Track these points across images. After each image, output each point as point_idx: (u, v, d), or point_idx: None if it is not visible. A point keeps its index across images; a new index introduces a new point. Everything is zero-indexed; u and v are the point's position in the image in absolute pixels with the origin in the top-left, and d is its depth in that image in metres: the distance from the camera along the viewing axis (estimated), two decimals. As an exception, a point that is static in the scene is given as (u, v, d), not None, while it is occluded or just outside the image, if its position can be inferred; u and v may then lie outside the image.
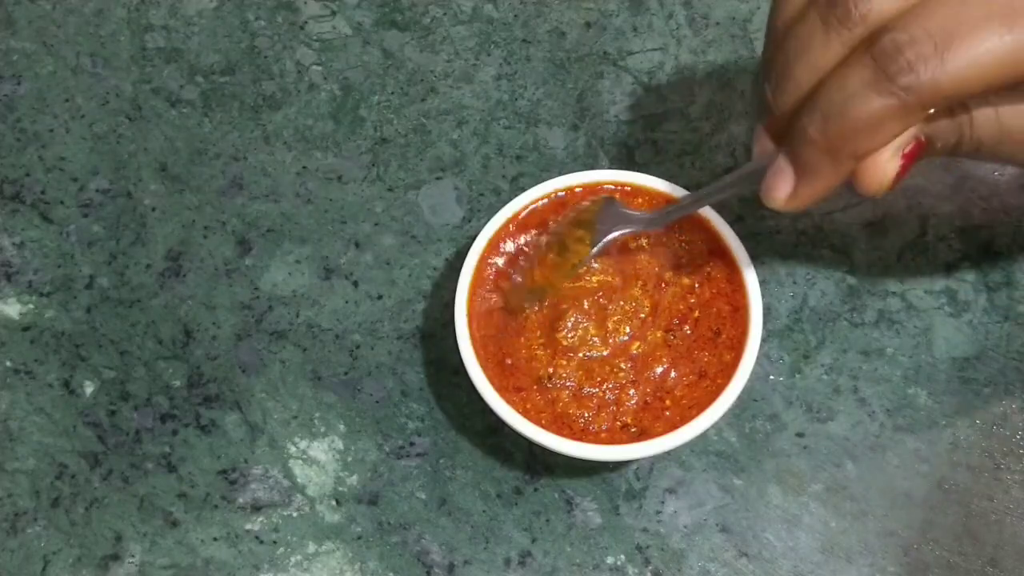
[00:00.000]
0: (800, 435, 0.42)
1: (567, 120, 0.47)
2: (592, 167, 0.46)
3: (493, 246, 0.39)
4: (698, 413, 0.36)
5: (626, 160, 0.46)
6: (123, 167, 0.46)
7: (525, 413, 0.37)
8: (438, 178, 0.46)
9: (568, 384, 0.38)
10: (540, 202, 0.40)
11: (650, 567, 0.40)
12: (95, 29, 0.48)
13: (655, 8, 0.48)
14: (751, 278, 0.38)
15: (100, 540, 0.41)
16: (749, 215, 0.45)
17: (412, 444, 0.42)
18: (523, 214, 0.40)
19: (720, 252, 0.39)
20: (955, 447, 0.41)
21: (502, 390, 0.37)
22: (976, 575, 0.39)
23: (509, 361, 0.38)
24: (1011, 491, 0.40)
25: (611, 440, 0.36)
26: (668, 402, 0.37)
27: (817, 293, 0.44)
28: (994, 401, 0.42)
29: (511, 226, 0.40)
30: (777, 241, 0.44)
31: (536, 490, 0.41)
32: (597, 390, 0.38)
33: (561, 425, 0.37)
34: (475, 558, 0.40)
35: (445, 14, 0.48)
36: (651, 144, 0.46)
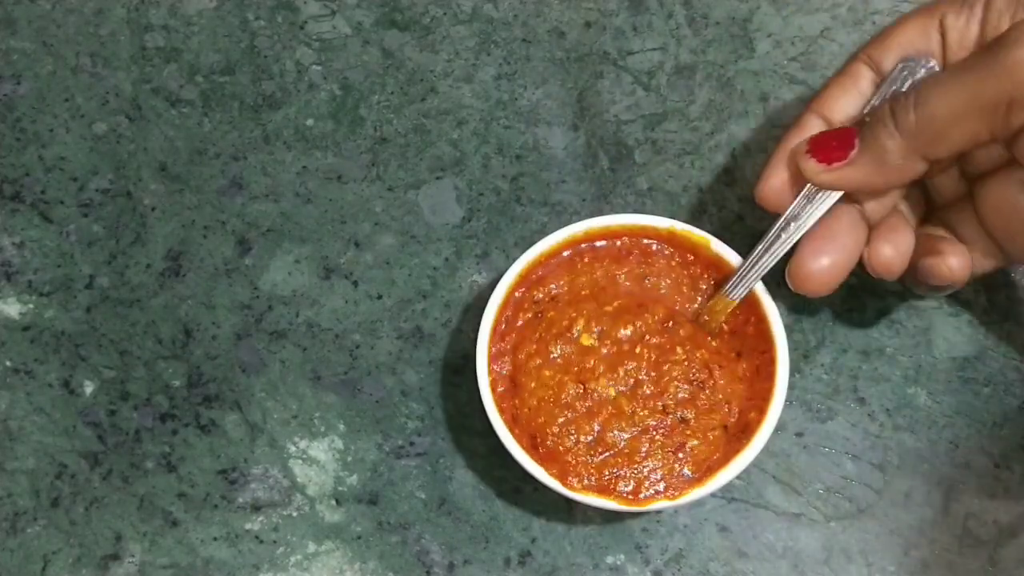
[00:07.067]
0: (800, 435, 0.42)
1: (567, 120, 0.47)
2: (592, 167, 0.46)
3: (517, 290, 0.40)
4: (721, 463, 0.36)
5: (626, 160, 0.46)
6: (123, 167, 0.46)
7: (564, 476, 0.37)
8: (438, 178, 0.46)
9: (589, 440, 0.38)
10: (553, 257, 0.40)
11: (650, 567, 0.40)
12: (95, 29, 0.48)
13: (655, 8, 0.48)
14: (781, 342, 0.37)
15: (100, 540, 0.41)
16: (749, 215, 0.45)
17: (412, 444, 0.42)
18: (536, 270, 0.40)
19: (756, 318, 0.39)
20: (955, 447, 0.41)
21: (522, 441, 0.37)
22: (976, 575, 0.39)
23: (529, 411, 0.38)
24: (1011, 491, 0.40)
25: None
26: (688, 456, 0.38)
27: (817, 293, 0.43)
28: (994, 401, 0.42)
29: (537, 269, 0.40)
30: (777, 241, 0.44)
31: (536, 490, 0.41)
32: (624, 439, 0.38)
33: (601, 487, 0.37)
34: (475, 558, 0.40)
35: (445, 14, 0.48)
36: (651, 144, 0.46)
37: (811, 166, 0.35)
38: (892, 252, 0.36)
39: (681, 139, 0.46)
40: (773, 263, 0.37)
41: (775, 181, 0.37)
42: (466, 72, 0.47)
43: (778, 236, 0.37)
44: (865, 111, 0.36)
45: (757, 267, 0.37)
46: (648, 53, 0.47)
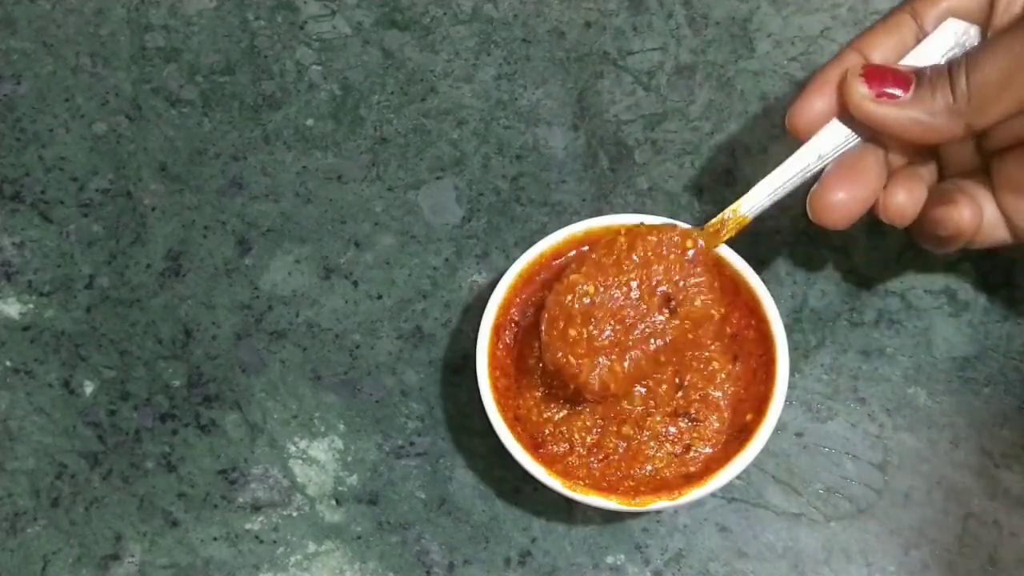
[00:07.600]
0: (800, 435, 0.42)
1: (567, 120, 0.47)
2: (592, 167, 0.46)
3: (511, 299, 0.39)
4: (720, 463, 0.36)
5: (626, 160, 0.46)
6: (123, 167, 0.46)
7: (565, 476, 0.37)
8: (438, 178, 0.46)
9: (587, 443, 0.38)
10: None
11: (650, 567, 0.40)
12: (95, 29, 0.48)
13: (655, 8, 0.48)
14: (780, 336, 0.37)
15: (100, 540, 0.41)
16: (749, 215, 0.45)
17: (412, 444, 0.42)
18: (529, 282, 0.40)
19: (752, 310, 0.39)
20: (955, 447, 0.41)
21: (523, 441, 0.37)
22: (976, 575, 0.39)
23: (526, 407, 0.38)
24: (1011, 491, 0.40)
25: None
26: (690, 454, 0.38)
27: (817, 293, 0.44)
28: (994, 401, 0.42)
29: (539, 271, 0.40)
30: (777, 241, 0.44)
31: (536, 490, 0.41)
32: (622, 444, 0.38)
33: (599, 485, 0.37)
34: (475, 558, 0.40)
35: (445, 14, 0.48)
36: (651, 144, 0.46)
37: (862, 89, 0.35)
38: (906, 198, 0.37)
39: (681, 139, 0.46)
40: (792, 188, 0.37)
41: (808, 109, 0.37)
42: (466, 72, 0.47)
43: (801, 161, 0.37)
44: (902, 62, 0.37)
45: (776, 188, 0.37)
46: (648, 53, 0.47)
